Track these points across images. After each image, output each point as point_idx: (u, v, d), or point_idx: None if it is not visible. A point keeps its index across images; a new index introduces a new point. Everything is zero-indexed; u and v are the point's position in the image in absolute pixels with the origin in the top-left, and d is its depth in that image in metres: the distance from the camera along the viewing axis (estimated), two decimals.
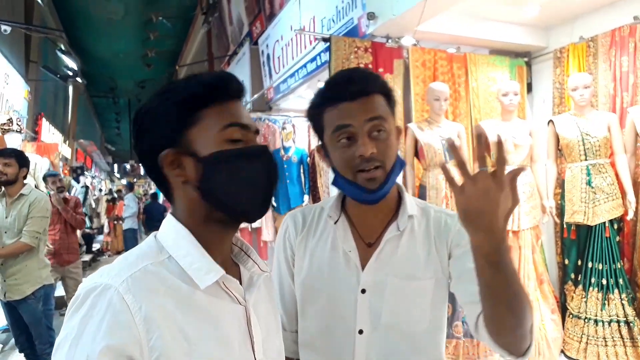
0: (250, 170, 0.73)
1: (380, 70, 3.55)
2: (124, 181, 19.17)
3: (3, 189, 3.14)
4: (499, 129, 3.29)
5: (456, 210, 0.74)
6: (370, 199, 0.99)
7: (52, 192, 4.37)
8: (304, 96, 5.61)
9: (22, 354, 3.21)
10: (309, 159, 5.22)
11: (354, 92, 0.97)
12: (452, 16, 3.59)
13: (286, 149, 5.22)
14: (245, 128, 0.74)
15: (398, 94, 3.59)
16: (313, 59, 4.81)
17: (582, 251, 3.10)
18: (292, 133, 5.31)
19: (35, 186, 5.07)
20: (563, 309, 3.25)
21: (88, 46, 12.35)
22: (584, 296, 3.03)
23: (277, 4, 6.48)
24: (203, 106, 0.72)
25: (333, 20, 4.47)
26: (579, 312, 3.04)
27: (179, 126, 0.72)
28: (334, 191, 1.12)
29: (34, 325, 3.10)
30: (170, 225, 0.74)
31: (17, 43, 7.52)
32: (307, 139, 5.50)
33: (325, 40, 3.62)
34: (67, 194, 4.82)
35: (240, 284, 0.78)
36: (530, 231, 3.20)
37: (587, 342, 2.94)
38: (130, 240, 8.95)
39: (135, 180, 22.04)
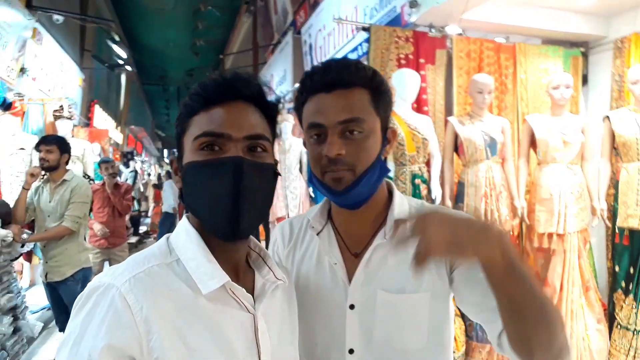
0: (211, 184, 0.69)
1: (422, 61, 3.41)
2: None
3: (47, 174, 3.28)
4: (548, 124, 3.08)
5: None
6: (341, 202, 0.91)
7: (105, 177, 4.55)
8: None
9: (62, 332, 3.37)
10: None
11: (329, 82, 0.86)
12: (500, 4, 3.39)
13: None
14: (219, 136, 0.69)
15: (439, 85, 3.44)
16: (354, 49, 4.70)
17: (635, 258, 2.86)
18: None
19: (84, 171, 5.31)
20: (611, 319, 3.03)
21: (140, 36, 12.76)
22: (634, 306, 2.80)
23: None
24: (193, 114, 0.72)
25: (376, 9, 4.34)
26: (628, 323, 2.81)
27: (180, 133, 0.74)
28: None
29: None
30: (183, 228, 0.74)
31: (72, 33, 7.86)
32: None
33: (365, 29, 3.52)
34: (119, 179, 5.00)
35: (254, 290, 0.76)
36: (578, 234, 2.98)
37: (634, 356, 2.72)
38: (163, 224, 9.22)
39: None
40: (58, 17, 5.57)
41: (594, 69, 3.76)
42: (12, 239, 2.89)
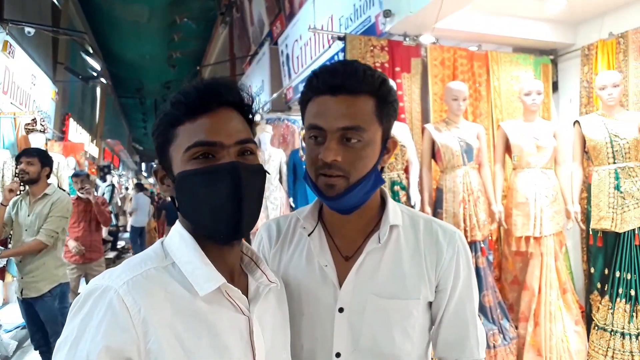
0: (209, 191, 0.70)
1: (397, 69, 3.46)
2: (151, 180, 19.55)
3: (27, 187, 3.19)
4: (521, 130, 3.15)
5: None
6: (331, 206, 0.91)
7: (77, 192, 4.45)
8: None
9: (38, 352, 3.25)
10: None
11: (335, 86, 0.85)
12: (473, 13, 3.46)
13: (305, 150, 5.17)
14: (212, 145, 0.70)
15: (415, 93, 3.49)
16: (331, 58, 4.73)
17: (609, 259, 2.92)
18: None
19: (58, 185, 5.18)
20: (588, 320, 3.08)
21: (115, 48, 12.62)
22: (610, 307, 2.86)
23: (296, 4, 6.45)
24: (178, 123, 0.72)
25: (351, 19, 4.39)
26: (605, 324, 2.87)
27: (165, 144, 0.74)
28: None
29: (50, 322, 3.13)
30: (176, 232, 0.75)
31: (44, 45, 7.71)
32: None
33: (340, 39, 3.55)
34: (95, 193, 4.89)
35: (247, 293, 0.77)
36: (554, 237, 3.04)
37: (612, 356, 2.77)
38: (134, 240, 9.02)
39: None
40: (30, 30, 5.47)
41: (563, 76, 3.88)
42: None
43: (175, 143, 0.72)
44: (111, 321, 0.61)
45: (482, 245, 3.01)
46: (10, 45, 5.39)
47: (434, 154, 3.18)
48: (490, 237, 3.20)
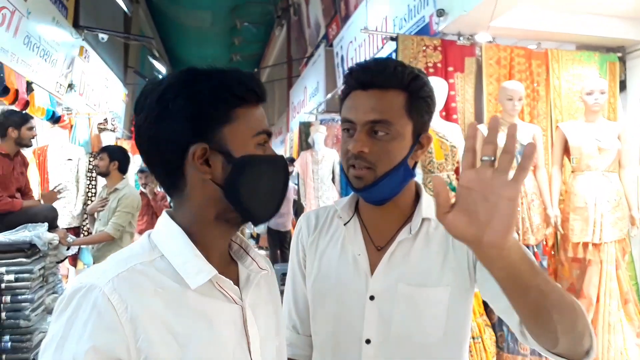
0: (273, 178, 0.75)
1: (450, 69, 3.41)
2: None
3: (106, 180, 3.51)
4: (582, 130, 3.00)
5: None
6: (362, 197, 0.95)
7: (141, 187, 4.78)
8: None
9: None
10: None
11: (366, 82, 0.90)
12: (532, 9, 3.34)
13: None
14: (269, 135, 0.75)
15: (469, 93, 3.42)
16: None
17: None
18: None
19: None
20: None
21: (180, 52, 13.29)
22: None
23: (352, 6, 6.50)
24: (237, 105, 0.70)
25: (405, 20, 4.37)
26: None
27: (213, 122, 0.69)
28: None
29: None
30: (164, 224, 0.73)
31: (116, 50, 8.29)
32: None
33: (392, 39, 3.56)
34: (157, 188, 5.22)
35: (238, 282, 0.77)
36: (615, 244, 2.87)
37: None
38: None
39: None
40: (103, 36, 5.91)
41: (632, 74, 3.64)
42: (58, 242, 3.07)
43: (235, 124, 0.70)
44: (97, 321, 0.59)
45: (536, 250, 2.91)
46: (86, 50, 5.85)
47: None
48: (544, 242, 3.08)
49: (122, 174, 3.46)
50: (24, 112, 3.36)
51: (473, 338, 2.78)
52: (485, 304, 2.96)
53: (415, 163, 0.98)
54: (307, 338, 1.08)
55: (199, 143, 0.68)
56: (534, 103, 3.45)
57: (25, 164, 3.47)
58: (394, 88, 0.89)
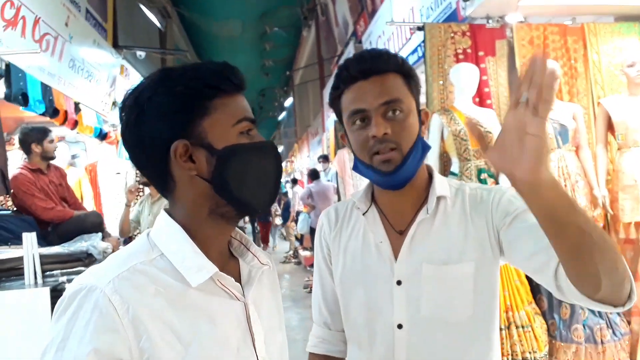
0: (263, 165, 0.73)
1: (481, 53, 3.34)
2: None
3: (148, 190, 3.67)
4: (626, 105, 2.87)
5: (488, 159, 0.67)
6: (389, 182, 0.95)
7: None
8: None
9: None
10: None
11: (366, 70, 0.93)
12: None
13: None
14: (253, 122, 0.73)
15: (502, 77, 3.34)
16: (414, 51, 4.69)
17: None
18: None
19: None
20: None
21: None
22: None
23: (378, 0, 6.46)
24: (214, 96, 0.69)
25: (431, 8, 4.32)
26: None
27: (190, 116, 0.68)
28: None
29: None
30: (163, 223, 0.72)
31: (154, 66, 8.62)
32: None
33: (419, 29, 3.53)
34: None
35: (240, 278, 0.76)
36: None
37: None
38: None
39: None
40: (141, 53, 6.18)
41: None
42: (111, 250, 3.25)
43: (213, 116, 0.69)
44: (98, 323, 0.59)
45: None
46: (126, 68, 6.13)
47: None
48: None
49: None
50: (40, 126, 3.44)
51: (522, 327, 2.71)
52: (533, 292, 2.88)
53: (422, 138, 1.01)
54: (339, 334, 1.09)
55: (180, 140, 0.67)
56: (573, 81, 3.32)
57: (62, 175, 3.59)
58: (390, 71, 0.94)
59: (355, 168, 0.99)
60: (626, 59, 2.91)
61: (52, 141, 3.36)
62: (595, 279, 0.69)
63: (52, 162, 3.44)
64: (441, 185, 0.99)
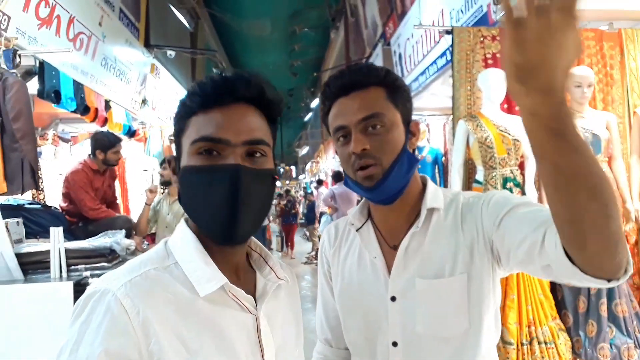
0: (207, 191, 0.68)
1: None
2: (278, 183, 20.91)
3: (167, 189, 3.73)
4: None
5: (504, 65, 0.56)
6: (375, 198, 0.94)
7: None
8: (437, 93, 5.41)
9: None
10: (443, 158, 5.03)
11: (345, 85, 0.92)
12: None
13: (420, 149, 5.10)
14: (217, 142, 0.68)
15: None
16: (442, 54, 4.61)
17: None
18: (425, 132, 5.18)
19: None
20: None
21: (243, 62, 13.83)
22: None
23: (407, 2, 6.39)
24: (191, 114, 0.70)
25: (462, 11, 4.24)
26: None
27: (177, 132, 0.73)
28: None
29: None
30: (180, 231, 0.74)
31: (184, 65, 8.80)
32: (443, 138, 5.30)
33: (448, 32, 3.46)
34: None
35: (255, 291, 0.76)
36: None
37: None
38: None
39: (287, 182, 23.92)
40: (171, 53, 6.30)
41: None
42: (135, 247, 3.32)
43: (186, 133, 0.70)
44: (110, 325, 0.60)
45: None
46: (157, 67, 6.25)
47: None
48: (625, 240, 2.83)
49: None
50: (113, 136, 3.65)
51: (545, 343, 2.62)
52: (558, 307, 2.78)
53: (413, 151, 0.98)
54: (340, 351, 1.09)
55: (171, 155, 0.75)
56: (608, 89, 3.19)
57: (113, 177, 3.81)
58: (371, 85, 0.92)
59: (345, 184, 0.99)
60: None
61: (117, 152, 3.55)
62: (595, 248, 0.62)
63: None
64: (433, 196, 0.96)
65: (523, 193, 2.88)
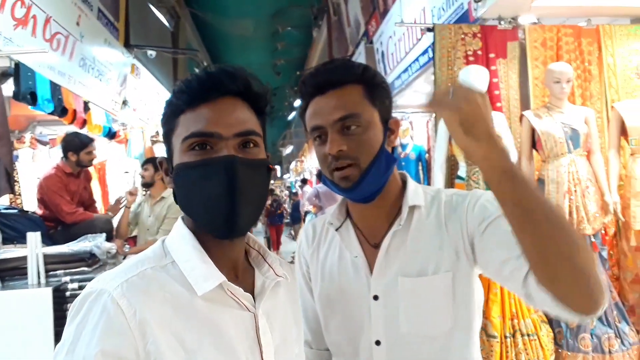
0: (204, 185, 0.67)
1: (492, 55, 3.27)
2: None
3: (148, 191, 3.66)
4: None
5: (448, 126, 0.69)
6: (353, 198, 0.93)
7: None
8: (420, 90, 5.45)
9: None
10: (427, 155, 5.06)
11: (321, 84, 0.89)
12: None
13: (403, 146, 5.12)
14: (209, 136, 0.67)
15: (513, 79, 3.27)
16: (424, 52, 4.64)
17: None
18: (409, 129, 5.20)
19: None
20: None
21: (226, 62, 13.65)
22: None
23: (390, 0, 6.41)
24: (180, 112, 0.69)
25: (443, 9, 4.26)
26: None
27: (167, 132, 0.72)
28: None
29: None
30: (177, 230, 0.73)
31: (166, 65, 8.69)
32: (426, 134, 5.33)
33: (429, 30, 3.47)
34: None
35: (254, 289, 0.76)
36: None
37: None
38: None
39: (272, 182, 23.84)
40: (151, 52, 6.22)
41: None
42: (116, 251, 3.26)
43: (176, 132, 0.70)
44: (106, 325, 0.60)
45: (593, 240, 2.72)
46: (137, 67, 6.17)
47: (535, 142, 2.96)
48: (604, 231, 2.88)
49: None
50: (85, 136, 3.57)
51: (528, 335, 2.65)
52: None
53: (393, 149, 0.96)
54: (320, 352, 1.07)
55: (162, 156, 0.74)
56: (586, 84, 3.24)
57: (88, 178, 3.72)
58: (348, 83, 0.90)
59: (324, 183, 0.96)
60: None
61: (89, 152, 3.46)
62: (565, 280, 0.67)
63: None
64: (414, 194, 0.95)
65: None
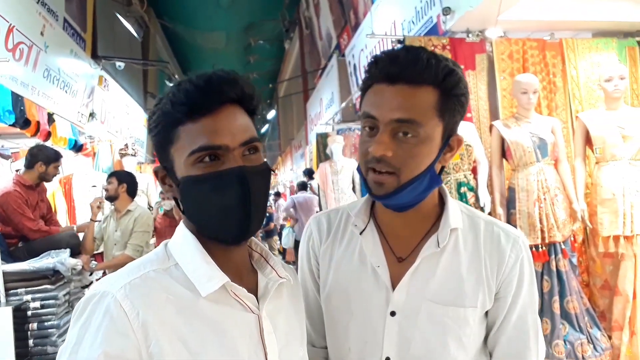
0: (219, 196, 0.68)
1: (461, 67, 3.34)
2: None
3: (113, 206, 3.55)
4: (603, 119, 2.88)
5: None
6: (383, 203, 0.86)
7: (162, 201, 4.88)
8: None
9: None
10: None
11: (394, 74, 0.78)
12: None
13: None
14: (217, 149, 0.67)
15: (482, 90, 3.35)
16: None
17: None
18: None
19: (147, 202, 5.66)
20: None
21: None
22: None
23: (361, 14, 6.51)
24: (179, 123, 0.68)
25: (413, 22, 4.34)
26: None
27: (165, 144, 0.71)
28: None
29: None
30: (180, 233, 0.74)
31: (135, 77, 8.53)
32: None
33: (400, 42, 3.52)
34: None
35: (257, 290, 0.76)
36: None
37: None
38: None
39: None
40: (120, 64, 6.09)
41: None
42: (81, 267, 3.12)
43: (177, 144, 0.69)
44: (109, 327, 0.60)
45: (563, 246, 2.78)
46: (105, 79, 6.03)
47: (504, 152, 3.02)
48: (573, 239, 2.95)
49: (131, 197, 3.50)
50: (56, 150, 3.47)
51: None
52: None
53: (442, 168, 0.88)
54: (322, 350, 1.01)
55: (160, 165, 0.74)
56: (551, 95, 3.34)
57: (43, 190, 3.56)
58: (425, 84, 0.78)
59: (357, 170, 0.88)
60: (603, 74, 2.94)
61: (57, 167, 3.39)
62: None
63: None
64: (454, 214, 0.87)
65: (476, 197, 2.95)
